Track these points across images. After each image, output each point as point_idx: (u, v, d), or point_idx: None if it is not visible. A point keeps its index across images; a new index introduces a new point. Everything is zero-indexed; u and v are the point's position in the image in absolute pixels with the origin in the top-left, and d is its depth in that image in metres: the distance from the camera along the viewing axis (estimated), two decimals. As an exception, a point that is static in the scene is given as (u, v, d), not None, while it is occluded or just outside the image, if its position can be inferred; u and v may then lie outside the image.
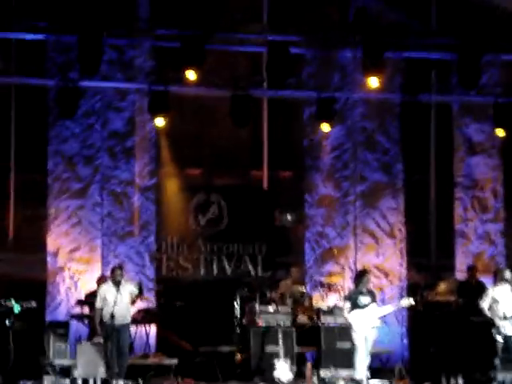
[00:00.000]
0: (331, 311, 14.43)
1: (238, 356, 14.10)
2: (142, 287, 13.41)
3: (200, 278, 15.90)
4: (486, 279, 15.27)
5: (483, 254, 16.26)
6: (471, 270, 15.39)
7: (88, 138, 15.42)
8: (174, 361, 13.92)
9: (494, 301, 13.15)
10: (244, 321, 14.38)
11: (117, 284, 12.95)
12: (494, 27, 14.25)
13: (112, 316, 12.77)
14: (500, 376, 13.19)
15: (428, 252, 16.80)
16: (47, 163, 15.38)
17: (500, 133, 15.78)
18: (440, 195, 16.84)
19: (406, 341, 15.55)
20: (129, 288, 13.05)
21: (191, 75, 14.65)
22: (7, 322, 12.63)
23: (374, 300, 13.36)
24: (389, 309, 13.70)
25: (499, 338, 13.02)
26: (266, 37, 14.12)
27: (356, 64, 15.46)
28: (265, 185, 16.62)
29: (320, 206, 16.21)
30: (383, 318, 13.55)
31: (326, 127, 15.81)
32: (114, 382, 12.65)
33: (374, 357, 13.71)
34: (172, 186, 15.97)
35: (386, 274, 16.05)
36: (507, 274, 13.24)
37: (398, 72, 15.86)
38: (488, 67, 15.56)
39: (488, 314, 13.15)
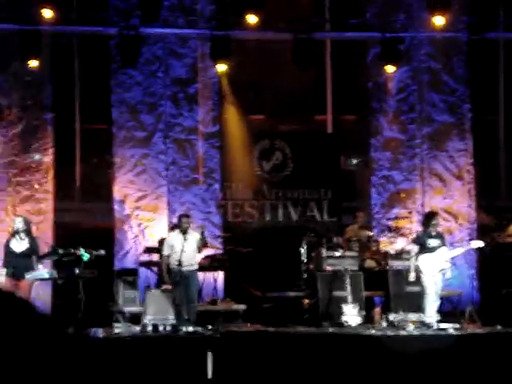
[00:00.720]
0: (399, 255, 14.28)
1: (306, 301, 14.07)
2: (204, 234, 13.40)
3: (266, 224, 15.86)
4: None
5: (555, 194, 15.92)
6: (542, 210, 15.07)
7: (151, 86, 15.37)
8: (242, 306, 13.96)
9: None
10: (311, 266, 14.32)
11: (184, 231, 13.01)
12: None
13: (179, 263, 12.85)
14: None
15: (497, 193, 16.49)
16: (111, 112, 15.39)
17: None
18: (509, 135, 16.46)
19: (476, 283, 15.33)
20: (195, 235, 13.10)
21: (252, 19, 14.45)
22: (77, 270, 12.74)
23: (443, 243, 13.18)
24: (458, 251, 13.51)
25: None
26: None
27: (421, 2, 15.07)
28: (329, 129, 16.43)
29: (386, 149, 15.96)
30: (453, 261, 13.38)
31: (390, 68, 15.50)
32: (184, 328, 12.74)
33: (444, 300, 13.56)
34: (236, 133, 15.87)
35: (455, 217, 15.79)
36: None
37: (464, 9, 15.40)
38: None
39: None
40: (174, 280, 12.96)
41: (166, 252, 13.07)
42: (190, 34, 15.37)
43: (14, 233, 12.74)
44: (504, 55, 16.27)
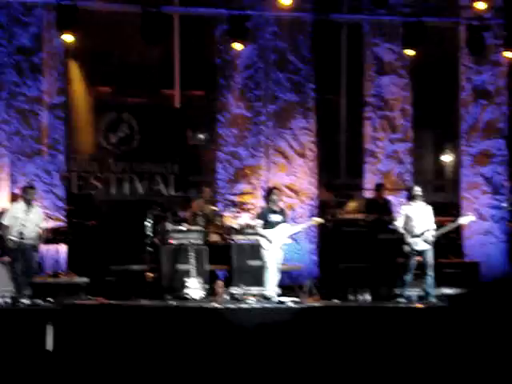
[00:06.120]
0: (242, 230, 14.53)
1: (149, 274, 14.13)
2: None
3: (111, 197, 15.79)
4: (393, 197, 15.56)
5: (391, 172, 16.50)
6: (379, 188, 15.59)
7: (-7, 54, 14.98)
8: (85, 279, 13.88)
9: (408, 218, 13.42)
10: (155, 240, 14.38)
11: (28, 203, 12.82)
12: None
13: (21, 235, 12.64)
14: (407, 292, 13.55)
15: (338, 171, 17.00)
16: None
17: (409, 52, 15.89)
18: (350, 115, 16.97)
19: (315, 258, 15.78)
20: (39, 211, 12.97)
21: (101, -11, 14.31)
22: None
23: (284, 218, 13.50)
24: (299, 227, 13.86)
25: (412, 255, 13.33)
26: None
27: (268, -18, 15.30)
28: (176, 104, 16.47)
29: (232, 125, 16.16)
30: (293, 236, 13.72)
31: (238, 46, 15.67)
32: (24, 300, 12.55)
33: (284, 274, 13.89)
34: (82, 104, 15.69)
35: (297, 193, 16.18)
36: (417, 190, 13.53)
37: (309, -10, 15.76)
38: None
39: (402, 231, 13.42)
40: (13, 252, 12.75)
41: (6, 222, 12.84)
42: (35, 2, 15.04)
43: None
44: (346, 36, 16.73)
